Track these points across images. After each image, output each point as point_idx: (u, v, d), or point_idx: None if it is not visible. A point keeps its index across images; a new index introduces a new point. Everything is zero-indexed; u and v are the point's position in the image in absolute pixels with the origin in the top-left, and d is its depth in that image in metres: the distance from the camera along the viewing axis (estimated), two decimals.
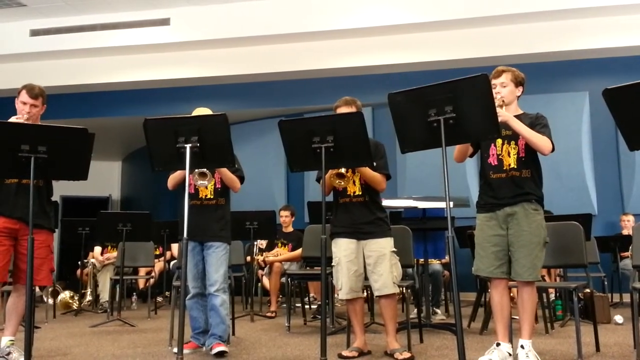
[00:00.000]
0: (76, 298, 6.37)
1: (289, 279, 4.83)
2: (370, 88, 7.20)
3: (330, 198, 3.48)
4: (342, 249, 3.34)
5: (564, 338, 3.88)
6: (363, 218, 3.33)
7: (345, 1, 7.24)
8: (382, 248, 3.29)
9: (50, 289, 6.18)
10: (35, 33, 7.82)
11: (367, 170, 3.29)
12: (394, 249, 3.34)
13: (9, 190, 3.16)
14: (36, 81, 3.42)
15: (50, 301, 6.13)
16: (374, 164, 3.30)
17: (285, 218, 6.24)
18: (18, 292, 3.19)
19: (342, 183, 3.26)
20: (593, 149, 6.96)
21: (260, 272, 6.38)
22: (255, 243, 6.08)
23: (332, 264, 3.39)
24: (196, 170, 3.25)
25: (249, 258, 5.91)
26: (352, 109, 3.36)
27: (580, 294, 4.33)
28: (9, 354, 3.09)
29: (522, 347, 2.83)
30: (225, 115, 3.06)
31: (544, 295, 4.36)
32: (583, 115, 6.98)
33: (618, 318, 4.56)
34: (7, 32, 7.84)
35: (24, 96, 3.24)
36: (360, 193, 3.36)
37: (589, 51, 6.95)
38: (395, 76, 7.38)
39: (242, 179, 3.62)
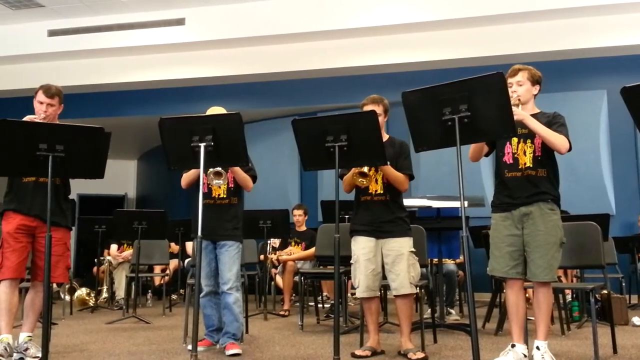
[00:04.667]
0: (92, 295, 6.45)
1: (302, 278, 4.84)
2: (383, 87, 7.15)
3: (351, 196, 3.48)
4: (361, 247, 3.33)
5: (581, 340, 3.84)
6: (383, 217, 3.32)
7: (358, 0, 7.22)
8: (400, 247, 3.28)
9: (67, 286, 6.26)
10: (53, 33, 7.92)
11: (390, 170, 3.28)
12: (413, 249, 3.32)
13: (26, 188, 3.20)
14: (54, 81, 3.46)
15: (67, 298, 6.21)
16: (397, 163, 3.29)
17: (298, 217, 6.25)
18: (35, 288, 3.23)
19: (365, 182, 3.26)
20: (611, 148, 6.86)
21: (273, 270, 6.40)
22: (269, 242, 6.09)
23: (351, 261, 3.39)
24: (211, 169, 3.26)
25: (262, 257, 5.93)
26: (379, 107, 3.35)
27: (597, 295, 4.28)
28: (26, 349, 3.13)
29: (537, 348, 2.80)
30: (239, 115, 3.07)
31: (560, 296, 4.31)
32: (601, 114, 6.88)
33: (636, 320, 4.50)
34: (26, 32, 7.95)
35: (40, 96, 3.29)
36: (382, 192, 3.34)
37: (607, 49, 6.84)
38: (407, 75, 7.34)
39: (254, 178, 3.62)
